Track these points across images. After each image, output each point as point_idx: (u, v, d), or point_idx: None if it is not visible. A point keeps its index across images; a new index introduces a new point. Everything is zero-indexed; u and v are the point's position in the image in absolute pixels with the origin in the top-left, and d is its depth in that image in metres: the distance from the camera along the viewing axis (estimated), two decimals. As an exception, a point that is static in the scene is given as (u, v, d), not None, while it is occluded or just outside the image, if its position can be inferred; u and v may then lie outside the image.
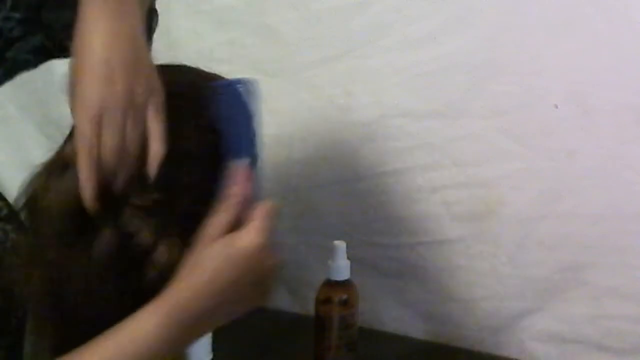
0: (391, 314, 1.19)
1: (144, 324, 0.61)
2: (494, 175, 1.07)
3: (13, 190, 1.43)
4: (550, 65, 1.00)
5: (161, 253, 0.64)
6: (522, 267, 1.08)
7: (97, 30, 0.63)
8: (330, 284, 1.01)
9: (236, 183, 0.64)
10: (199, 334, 0.65)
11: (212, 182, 0.66)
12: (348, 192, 1.16)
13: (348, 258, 1.01)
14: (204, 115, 0.69)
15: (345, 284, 1.02)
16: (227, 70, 0.73)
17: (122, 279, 0.64)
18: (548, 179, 1.04)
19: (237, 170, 0.65)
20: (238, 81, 0.67)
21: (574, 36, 0.98)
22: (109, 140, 0.62)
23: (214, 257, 0.63)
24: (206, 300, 0.62)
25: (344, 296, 1.01)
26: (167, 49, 1.19)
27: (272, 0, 1.14)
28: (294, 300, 1.26)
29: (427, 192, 1.11)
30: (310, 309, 1.04)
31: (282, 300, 1.26)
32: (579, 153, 1.01)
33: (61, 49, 0.79)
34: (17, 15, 0.76)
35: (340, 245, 1.00)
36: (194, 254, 0.63)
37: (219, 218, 0.64)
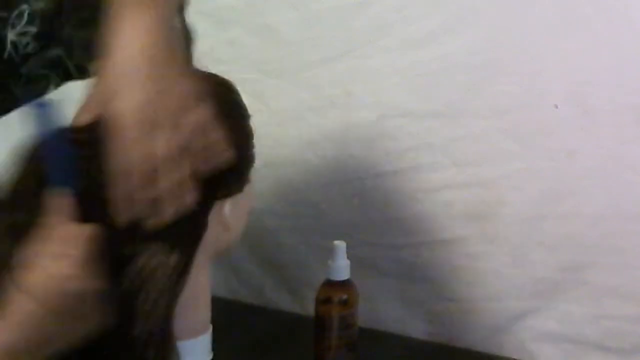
0: (391, 314, 1.19)
1: None
2: (494, 175, 1.07)
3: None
4: (550, 65, 1.00)
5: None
6: (522, 267, 1.08)
7: (125, 35, 0.59)
8: (330, 284, 1.01)
9: (55, 213, 0.62)
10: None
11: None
12: (348, 192, 1.16)
13: (348, 258, 1.01)
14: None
15: (345, 284, 1.02)
16: (227, 70, 0.73)
17: None
18: (548, 179, 1.04)
19: (56, 199, 0.62)
20: (42, 104, 0.61)
21: (574, 36, 0.98)
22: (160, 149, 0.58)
23: (28, 287, 0.59)
24: (27, 332, 0.59)
25: (344, 296, 1.01)
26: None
27: (272, 0, 1.14)
28: (294, 300, 1.26)
29: (427, 192, 1.11)
30: (310, 309, 1.04)
31: (282, 300, 1.27)
32: (579, 153, 1.01)
33: (80, 70, 0.77)
34: (33, 29, 0.75)
35: (340, 245, 1.00)
36: (15, 284, 0.60)
37: (36, 247, 0.61)
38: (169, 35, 0.61)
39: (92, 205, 0.62)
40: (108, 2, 0.62)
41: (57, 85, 0.79)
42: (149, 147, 0.58)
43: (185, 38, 0.74)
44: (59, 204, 0.62)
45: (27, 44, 0.76)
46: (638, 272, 1.02)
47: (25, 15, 0.74)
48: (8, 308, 0.59)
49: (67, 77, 0.79)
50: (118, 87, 0.58)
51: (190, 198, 0.61)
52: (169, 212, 0.60)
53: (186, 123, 0.59)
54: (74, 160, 0.62)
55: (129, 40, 0.59)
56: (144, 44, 0.59)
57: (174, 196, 0.60)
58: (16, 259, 0.61)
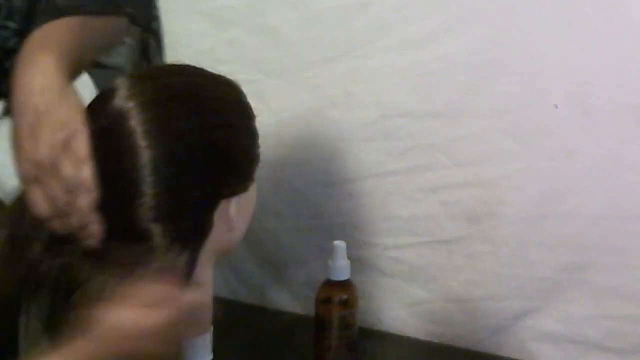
0: (391, 314, 1.19)
1: None
2: (494, 175, 1.07)
3: (13, 190, 1.43)
4: (550, 65, 1.00)
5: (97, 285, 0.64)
6: (522, 267, 1.08)
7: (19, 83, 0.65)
8: (330, 284, 1.01)
9: (166, 275, 0.64)
10: None
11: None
12: (348, 192, 1.16)
13: (348, 258, 1.01)
14: (205, 115, 0.69)
15: (345, 284, 1.02)
16: (227, 70, 0.73)
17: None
18: (548, 179, 1.04)
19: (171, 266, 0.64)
20: None
21: (574, 36, 0.98)
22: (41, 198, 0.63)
23: (106, 323, 0.62)
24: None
25: (344, 296, 1.01)
26: (167, 49, 1.19)
27: (272, 0, 1.14)
28: (294, 300, 1.26)
29: (427, 192, 1.11)
30: (310, 309, 1.04)
31: (282, 300, 1.27)
32: (579, 153, 1.01)
33: None
34: (12, 25, 0.76)
35: (340, 245, 1.00)
36: (101, 316, 0.62)
37: (136, 295, 0.63)
38: (66, 71, 0.66)
39: None
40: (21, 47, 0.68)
41: None
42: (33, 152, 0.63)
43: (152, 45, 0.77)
44: (173, 267, 0.64)
45: (8, 38, 0.76)
46: (638, 272, 1.02)
47: (4, 10, 0.75)
48: (74, 340, 0.61)
49: None
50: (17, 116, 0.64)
51: (94, 230, 0.63)
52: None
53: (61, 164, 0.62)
54: None
55: (27, 81, 0.65)
56: (38, 83, 0.64)
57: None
58: (104, 291, 0.63)
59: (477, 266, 1.11)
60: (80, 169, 0.62)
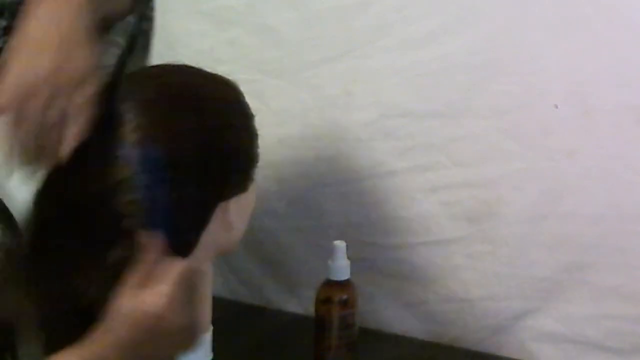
0: (391, 314, 1.19)
1: None
2: (494, 175, 1.07)
3: (14, 190, 1.43)
4: (550, 65, 1.00)
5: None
6: (522, 267, 1.08)
7: (37, 12, 0.64)
8: (330, 284, 1.01)
9: (148, 252, 0.64)
10: None
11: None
12: (348, 192, 1.16)
13: (348, 258, 1.01)
14: (205, 115, 0.69)
15: (345, 284, 1.02)
16: (227, 70, 0.73)
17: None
18: (548, 179, 1.04)
19: (150, 241, 0.64)
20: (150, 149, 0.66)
21: (574, 36, 0.98)
22: (27, 122, 0.62)
23: (120, 315, 0.63)
24: (111, 357, 0.63)
25: (344, 296, 1.01)
26: (167, 49, 1.19)
27: (272, 0, 1.14)
28: (294, 300, 1.26)
29: (427, 192, 1.11)
30: (310, 309, 1.04)
31: (282, 300, 1.26)
32: (579, 153, 1.01)
33: None
34: (3, 22, 0.76)
35: (340, 245, 1.00)
36: (109, 310, 0.63)
37: (132, 280, 0.64)
38: (80, 16, 0.65)
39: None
40: None
41: None
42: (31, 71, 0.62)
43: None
44: (152, 242, 0.64)
45: None
46: (638, 272, 1.02)
47: None
48: (94, 335, 0.62)
49: None
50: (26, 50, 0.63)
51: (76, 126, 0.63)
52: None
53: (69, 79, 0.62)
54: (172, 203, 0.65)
55: (41, 16, 0.64)
56: (53, 19, 0.64)
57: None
58: (113, 291, 0.63)
59: (477, 266, 1.11)
60: (82, 94, 0.63)
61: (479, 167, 1.07)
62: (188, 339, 0.65)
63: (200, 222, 0.68)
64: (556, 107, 1.01)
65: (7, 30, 0.75)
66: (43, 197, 0.68)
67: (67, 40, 0.63)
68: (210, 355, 0.75)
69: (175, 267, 0.63)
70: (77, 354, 0.63)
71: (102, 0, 0.69)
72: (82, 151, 0.65)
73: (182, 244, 0.67)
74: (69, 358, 0.63)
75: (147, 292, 0.63)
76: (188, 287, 0.64)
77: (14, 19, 0.75)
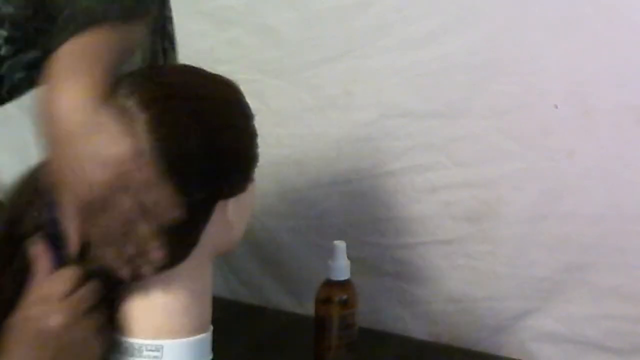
0: (391, 314, 1.19)
1: None
2: (494, 175, 1.07)
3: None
4: (550, 65, 1.00)
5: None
6: (522, 267, 1.08)
7: None
8: (330, 284, 1.01)
9: (38, 259, 0.64)
10: None
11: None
12: (348, 192, 1.16)
13: (348, 258, 1.01)
14: (205, 115, 0.69)
15: (345, 284, 1.02)
16: (227, 70, 0.73)
17: None
18: (548, 179, 1.04)
19: (37, 248, 0.64)
20: None
21: (574, 36, 0.98)
22: None
23: (19, 335, 0.62)
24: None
25: (344, 296, 1.01)
26: (167, 49, 1.19)
27: (272, 0, 1.14)
28: (294, 300, 1.26)
29: (427, 192, 1.11)
30: (310, 309, 1.04)
31: (282, 300, 1.27)
32: (579, 153, 1.01)
33: None
34: (3, 33, 0.76)
35: (340, 245, 1.00)
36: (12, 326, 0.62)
37: (34, 291, 0.63)
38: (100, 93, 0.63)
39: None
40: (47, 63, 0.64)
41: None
42: (111, 216, 0.61)
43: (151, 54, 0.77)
44: (39, 252, 0.64)
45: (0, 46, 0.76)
46: (638, 272, 1.02)
47: None
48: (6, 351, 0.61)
49: None
50: (65, 167, 0.61)
51: (158, 254, 0.64)
52: (146, 267, 0.64)
53: (137, 187, 0.61)
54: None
55: (64, 119, 0.61)
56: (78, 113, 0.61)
57: (145, 253, 0.63)
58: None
59: (477, 266, 1.11)
60: (149, 193, 0.62)
61: (479, 167, 1.07)
62: (92, 349, 0.64)
63: (200, 222, 0.68)
64: (556, 107, 1.01)
65: (8, 41, 0.76)
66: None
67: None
68: (210, 355, 0.75)
69: (63, 280, 0.63)
70: None
71: (117, 57, 0.68)
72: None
73: (181, 244, 0.67)
74: None
75: (40, 307, 0.62)
76: (80, 301, 0.63)
77: (14, 30, 0.75)
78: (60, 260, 0.64)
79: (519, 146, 1.04)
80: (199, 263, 0.69)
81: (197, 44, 1.20)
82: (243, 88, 0.74)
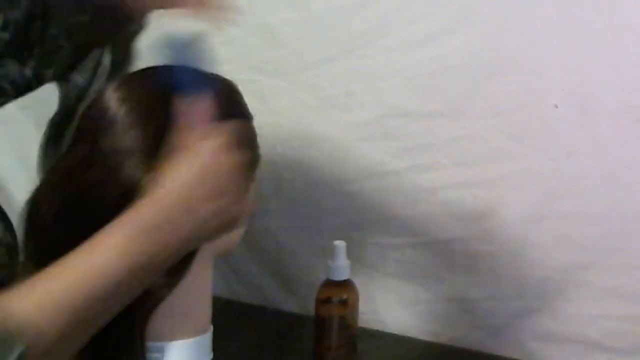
0: (391, 314, 1.19)
1: (108, 244, 0.59)
2: (494, 175, 1.07)
3: (13, 189, 1.43)
4: (550, 65, 1.00)
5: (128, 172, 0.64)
6: (522, 267, 1.08)
7: None
8: (330, 284, 1.01)
9: (193, 111, 0.64)
10: (168, 253, 0.62)
11: None
12: (348, 192, 1.16)
13: (348, 258, 1.01)
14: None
15: (345, 284, 1.02)
16: (227, 70, 0.73)
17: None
18: (548, 179, 1.04)
19: (191, 102, 0.64)
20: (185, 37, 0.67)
21: (574, 36, 0.98)
22: None
23: (179, 171, 0.62)
24: (170, 210, 0.61)
25: (344, 296, 1.01)
26: (167, 49, 1.18)
27: (272, 0, 1.14)
28: (294, 300, 1.26)
29: (427, 192, 1.11)
30: (310, 309, 1.04)
31: (282, 300, 1.27)
32: (579, 153, 1.01)
33: (38, 79, 0.79)
34: (6, 35, 0.76)
35: (340, 245, 1.01)
36: (158, 175, 0.62)
37: (181, 134, 0.63)
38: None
39: None
40: None
41: (12, 98, 0.80)
42: None
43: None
44: (195, 107, 0.64)
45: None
46: (638, 272, 1.02)
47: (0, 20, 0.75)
48: (155, 191, 0.61)
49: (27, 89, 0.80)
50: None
51: None
52: None
53: None
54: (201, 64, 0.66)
55: None
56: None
57: None
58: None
59: (477, 266, 1.11)
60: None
61: (479, 167, 1.07)
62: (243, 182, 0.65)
63: None
64: (556, 107, 1.01)
65: (9, 44, 0.76)
66: (44, 195, 0.68)
67: None
68: (210, 355, 0.75)
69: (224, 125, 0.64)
70: (119, 230, 0.59)
71: None
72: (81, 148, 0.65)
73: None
74: (113, 233, 0.59)
75: (204, 141, 0.62)
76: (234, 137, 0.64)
77: (17, 35, 0.75)
78: None
79: (519, 146, 1.04)
80: (199, 264, 0.69)
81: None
82: (243, 88, 0.74)
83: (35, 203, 0.68)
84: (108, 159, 0.64)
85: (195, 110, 0.64)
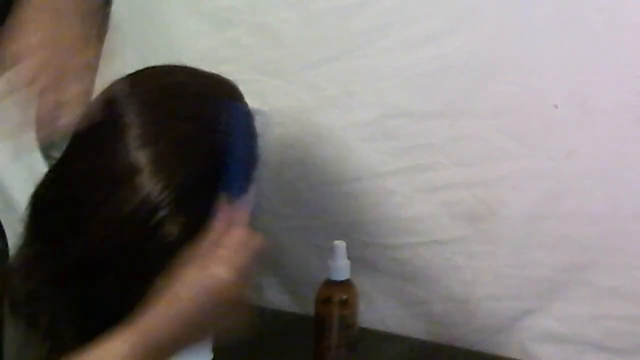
0: (391, 314, 1.19)
1: (113, 352, 0.61)
2: (494, 175, 1.07)
3: (13, 189, 1.43)
4: (550, 65, 1.00)
5: (168, 231, 0.65)
6: (522, 267, 1.08)
7: None
8: (330, 284, 1.01)
9: (222, 219, 0.65)
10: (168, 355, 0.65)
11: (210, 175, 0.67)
12: (348, 192, 1.16)
13: (348, 258, 1.01)
14: (204, 115, 0.69)
15: (345, 284, 1.02)
16: (227, 70, 0.73)
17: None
18: (548, 179, 1.04)
19: (226, 206, 0.65)
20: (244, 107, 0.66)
21: (574, 36, 0.98)
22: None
23: (186, 285, 0.63)
24: (174, 327, 0.63)
25: (344, 296, 1.01)
26: (167, 49, 1.19)
27: (272, 0, 1.14)
28: (294, 300, 1.26)
29: (427, 192, 1.11)
30: (310, 309, 1.04)
31: (282, 300, 1.26)
32: (579, 153, 1.01)
33: None
34: None
35: (340, 245, 1.00)
36: (168, 279, 0.64)
37: (199, 247, 0.64)
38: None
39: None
40: None
41: None
42: None
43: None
44: (232, 211, 0.66)
45: None
46: (638, 272, 1.02)
47: None
48: (160, 301, 0.62)
49: None
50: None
51: None
52: None
53: None
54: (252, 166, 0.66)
55: None
56: None
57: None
58: (183, 255, 0.64)
59: (477, 266, 1.11)
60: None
61: (479, 167, 1.07)
62: (244, 309, 0.67)
63: (204, 223, 0.68)
64: (556, 107, 1.01)
65: None
66: (43, 195, 0.68)
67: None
68: (210, 355, 0.74)
69: (241, 235, 0.65)
70: (126, 339, 0.62)
71: None
72: (83, 150, 0.65)
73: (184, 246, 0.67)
74: (117, 345, 0.61)
75: (216, 261, 0.63)
76: (253, 256, 0.65)
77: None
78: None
79: (519, 146, 1.04)
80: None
81: (197, 44, 1.20)
82: (243, 88, 0.74)
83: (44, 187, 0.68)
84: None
85: (234, 215, 0.66)
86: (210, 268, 0.63)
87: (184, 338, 0.64)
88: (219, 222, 0.64)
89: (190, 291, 0.63)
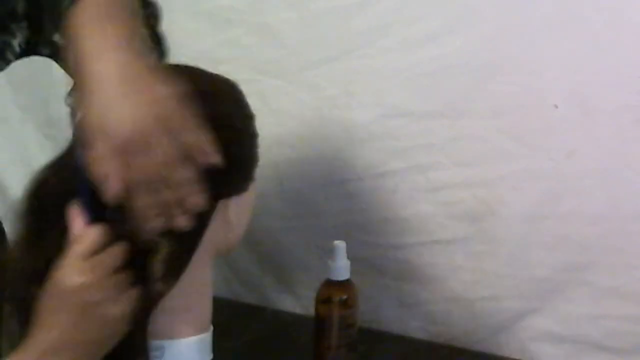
0: (391, 314, 1.19)
1: None
2: (494, 175, 1.07)
3: (14, 189, 1.43)
4: (550, 65, 1.00)
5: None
6: (522, 267, 1.08)
7: (106, 66, 0.60)
8: (330, 284, 1.01)
9: (74, 225, 0.64)
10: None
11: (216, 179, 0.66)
12: (348, 192, 1.16)
13: (348, 258, 1.01)
14: (204, 115, 0.69)
15: (345, 284, 1.02)
16: (227, 70, 0.73)
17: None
18: (548, 179, 1.04)
19: (77, 211, 0.65)
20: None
21: (574, 36, 0.98)
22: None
23: (48, 297, 0.63)
24: (59, 339, 0.63)
25: (344, 296, 1.01)
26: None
27: (272, 0, 1.14)
28: (294, 300, 1.26)
29: (427, 192, 1.11)
30: (310, 309, 1.04)
31: (282, 300, 1.27)
32: (579, 153, 1.01)
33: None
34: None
35: (340, 245, 1.01)
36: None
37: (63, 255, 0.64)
38: (136, 44, 0.62)
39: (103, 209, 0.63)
40: (66, 25, 0.62)
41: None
42: (150, 158, 0.59)
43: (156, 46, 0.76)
44: (76, 214, 0.64)
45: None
46: (638, 272, 1.02)
47: None
48: (41, 317, 0.63)
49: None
50: (105, 109, 0.59)
51: (198, 199, 0.63)
52: (181, 216, 0.63)
53: (177, 129, 0.60)
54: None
55: (102, 66, 0.60)
56: (116, 62, 0.60)
57: (183, 200, 0.62)
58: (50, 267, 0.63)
59: (477, 266, 1.11)
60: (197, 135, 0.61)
61: (479, 167, 1.07)
62: (117, 320, 0.64)
63: (201, 222, 0.68)
64: (556, 107, 1.01)
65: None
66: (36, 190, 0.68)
67: (138, 83, 0.60)
68: (210, 355, 0.75)
69: (87, 240, 0.63)
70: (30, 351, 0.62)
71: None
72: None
73: (184, 244, 0.67)
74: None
75: (63, 267, 0.63)
76: (102, 261, 0.63)
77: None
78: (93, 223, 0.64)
79: (519, 146, 1.04)
80: (199, 263, 0.69)
81: (197, 44, 1.20)
82: (243, 88, 0.74)
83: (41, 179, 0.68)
84: None
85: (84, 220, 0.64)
86: (55, 275, 0.63)
87: (79, 346, 0.64)
88: (71, 229, 0.64)
89: (47, 298, 0.63)
